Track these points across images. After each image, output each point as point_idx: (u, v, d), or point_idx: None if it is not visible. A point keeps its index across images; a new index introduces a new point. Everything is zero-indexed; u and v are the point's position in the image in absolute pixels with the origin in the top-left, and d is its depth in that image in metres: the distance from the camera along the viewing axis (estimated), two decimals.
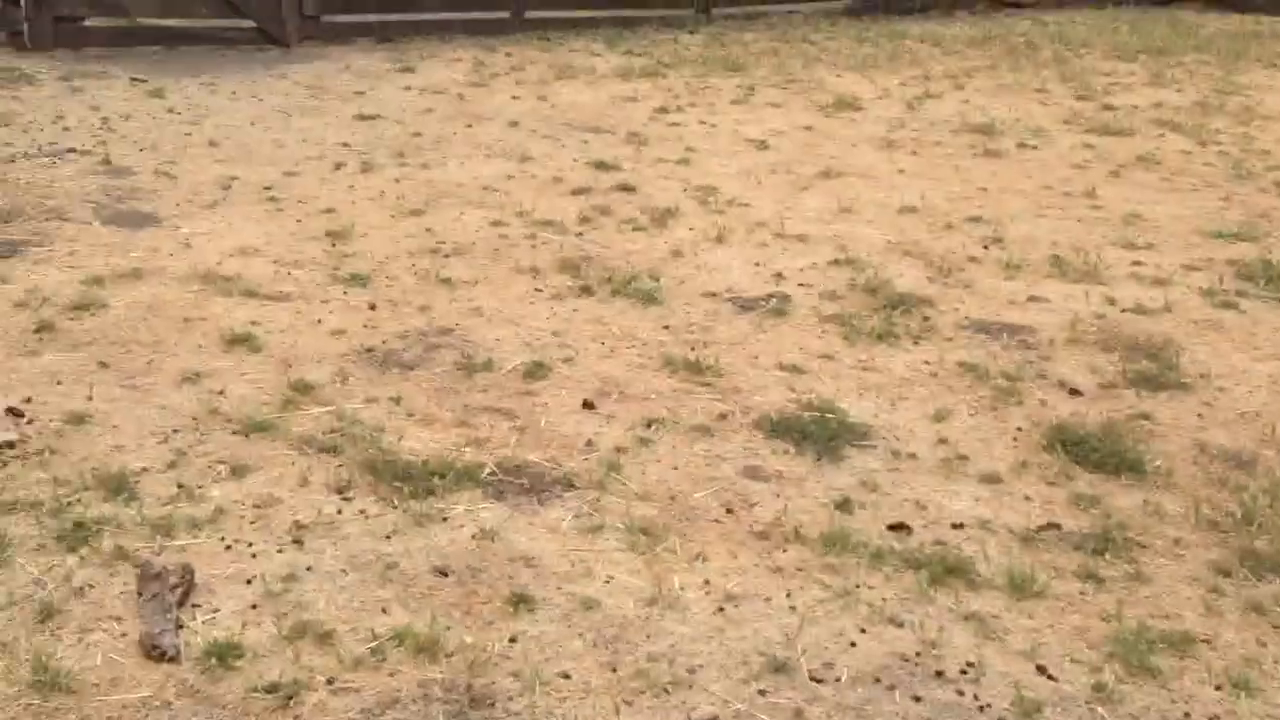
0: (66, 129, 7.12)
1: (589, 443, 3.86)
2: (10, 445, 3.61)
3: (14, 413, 3.80)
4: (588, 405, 4.11)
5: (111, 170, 6.38)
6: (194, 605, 2.98)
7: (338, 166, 6.69)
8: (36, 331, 4.39)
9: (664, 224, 5.94)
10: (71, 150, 6.67)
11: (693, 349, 4.56)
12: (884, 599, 3.15)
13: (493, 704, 2.72)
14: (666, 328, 4.77)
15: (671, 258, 5.52)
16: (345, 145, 7.13)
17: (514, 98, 8.55)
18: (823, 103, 8.72)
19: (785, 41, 11.07)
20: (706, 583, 3.19)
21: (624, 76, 9.34)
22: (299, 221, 5.76)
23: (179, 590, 2.97)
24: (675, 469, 3.75)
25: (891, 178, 6.95)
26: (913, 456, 3.87)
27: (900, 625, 3.05)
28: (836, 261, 5.52)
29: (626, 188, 6.49)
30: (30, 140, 6.83)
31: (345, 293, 4.96)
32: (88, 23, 9.30)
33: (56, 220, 5.59)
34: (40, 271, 4.98)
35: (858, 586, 3.19)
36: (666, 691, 2.79)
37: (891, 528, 3.47)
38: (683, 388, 4.28)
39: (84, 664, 2.75)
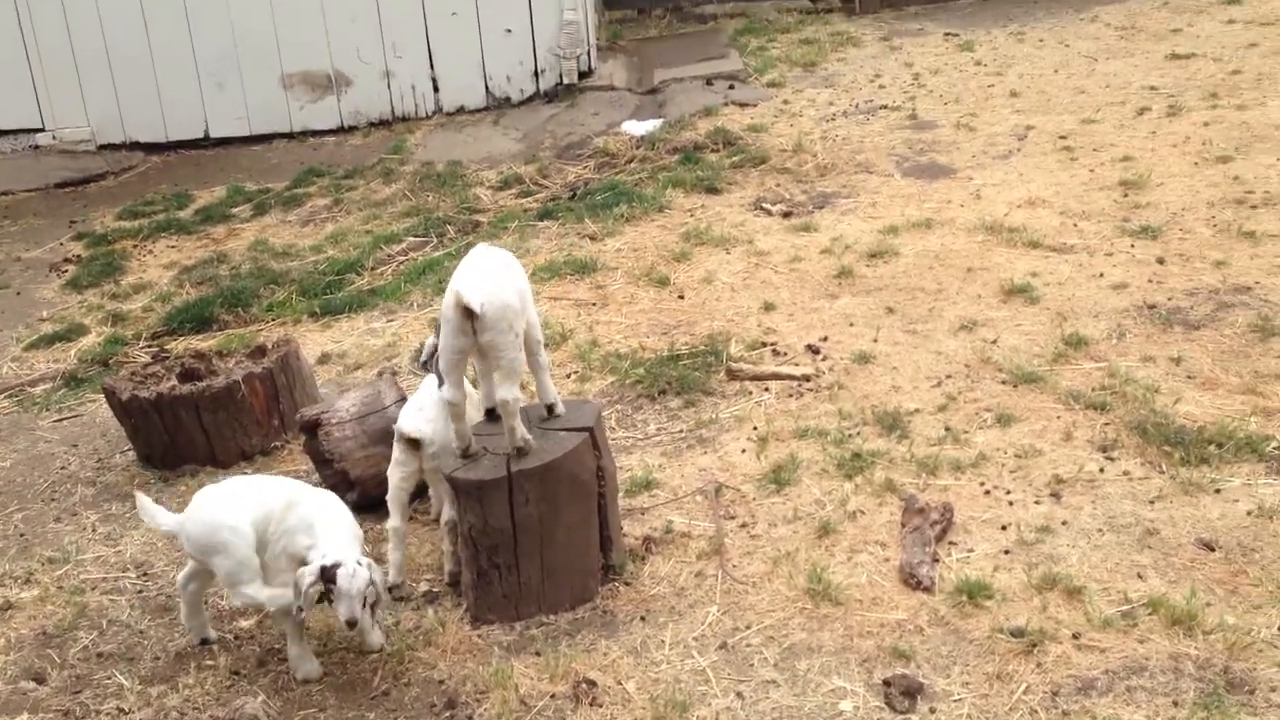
0: (881, 86, 7.64)
1: None
2: (807, 379, 4.05)
3: (812, 349, 4.24)
4: None
5: (917, 124, 6.74)
6: (950, 542, 3.14)
7: (1140, 111, 6.42)
8: (837, 276, 4.83)
9: None
10: (884, 106, 7.15)
11: None
12: None
13: (1251, 690, 2.55)
14: None
15: None
16: (1152, 88, 6.81)
17: None
18: None
19: None
20: None
21: None
22: (1091, 171, 5.64)
23: (938, 526, 3.15)
24: None
25: None
26: None
27: None
28: None
29: None
30: (850, 99, 7.43)
31: (1132, 246, 4.78)
32: None
33: (864, 173, 6.06)
34: (845, 221, 5.44)
35: None
36: None
37: None
38: None
39: (850, 580, 3.04)
